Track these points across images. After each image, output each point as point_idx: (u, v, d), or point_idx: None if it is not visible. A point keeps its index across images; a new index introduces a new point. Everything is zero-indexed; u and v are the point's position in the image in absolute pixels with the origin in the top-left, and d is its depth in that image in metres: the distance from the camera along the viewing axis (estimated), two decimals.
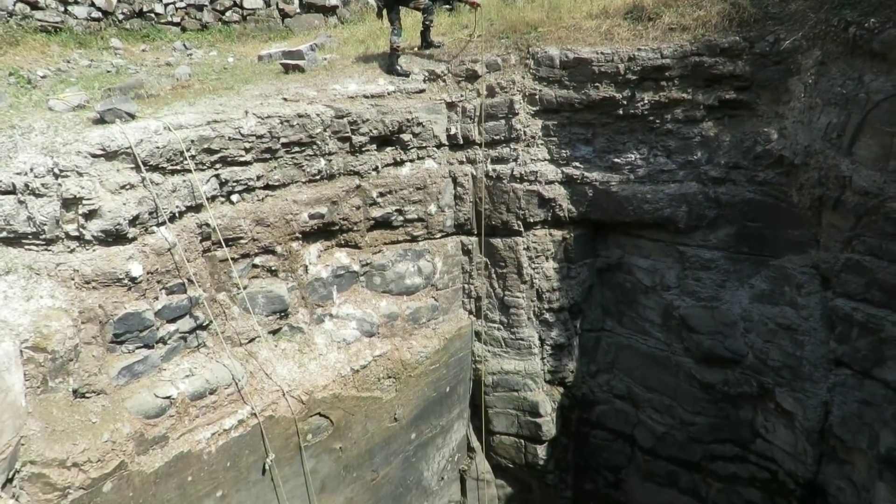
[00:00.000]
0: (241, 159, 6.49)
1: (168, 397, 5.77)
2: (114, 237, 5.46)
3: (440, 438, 9.03)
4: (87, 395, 5.29)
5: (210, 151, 6.23)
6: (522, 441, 9.43)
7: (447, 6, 10.64)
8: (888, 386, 6.29)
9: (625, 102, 7.61)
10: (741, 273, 7.63)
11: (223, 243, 6.43)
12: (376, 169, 7.66)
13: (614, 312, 8.97)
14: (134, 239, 5.62)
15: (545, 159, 8.22)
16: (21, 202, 5.14)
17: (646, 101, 7.53)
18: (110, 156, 5.47)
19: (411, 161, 7.97)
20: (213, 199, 6.40)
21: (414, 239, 8.24)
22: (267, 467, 6.55)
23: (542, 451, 9.33)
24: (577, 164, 8.09)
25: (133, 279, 5.53)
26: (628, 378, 8.92)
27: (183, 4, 11.41)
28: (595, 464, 9.59)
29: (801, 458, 7.25)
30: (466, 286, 8.91)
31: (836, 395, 6.82)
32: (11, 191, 5.13)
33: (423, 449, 8.74)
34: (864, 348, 6.44)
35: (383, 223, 7.93)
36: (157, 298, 5.83)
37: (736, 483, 8.19)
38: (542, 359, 9.04)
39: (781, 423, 7.41)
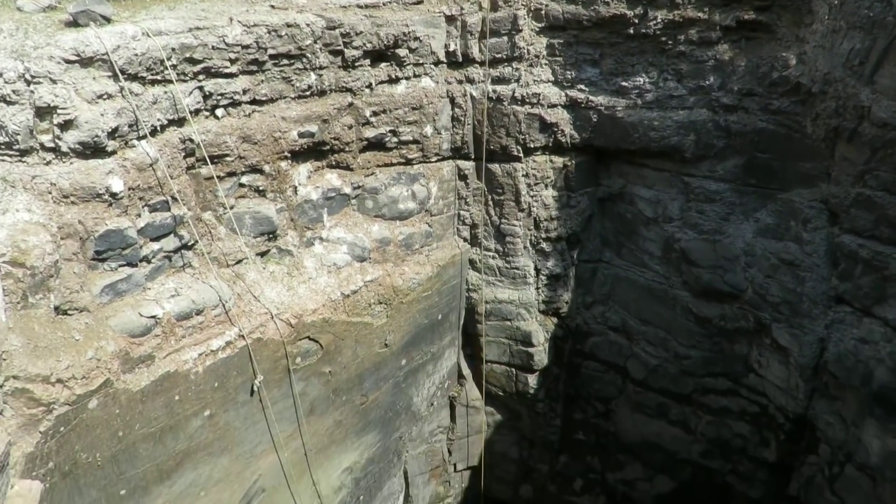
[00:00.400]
0: (226, 71, 6.28)
1: (153, 317, 5.80)
2: (92, 150, 5.34)
3: (431, 365, 9.21)
4: (69, 312, 5.30)
5: (192, 61, 6.01)
6: (514, 370, 9.63)
7: None
8: (887, 324, 6.36)
9: (636, 21, 7.32)
10: (747, 206, 7.57)
11: (208, 160, 6.31)
12: (370, 86, 7.44)
13: (613, 243, 8.96)
14: (113, 153, 5.49)
15: (549, 81, 7.98)
16: None
17: (659, 20, 7.24)
18: (85, 62, 5.27)
19: (407, 79, 7.73)
20: (196, 112, 6.23)
21: (408, 162, 8.11)
22: (255, 389, 6.68)
23: (533, 380, 9.55)
24: (583, 86, 7.87)
25: (114, 195, 5.44)
26: (624, 310, 9.02)
27: None
28: (586, 394, 9.84)
29: (792, 394, 7.43)
30: (462, 212, 8.86)
31: (834, 333, 6.91)
32: None
33: (413, 375, 8.92)
34: (867, 286, 6.47)
35: (377, 144, 7.77)
36: (139, 216, 5.77)
37: (726, 416, 8.43)
38: (537, 289, 9.11)
39: (776, 358, 7.55)
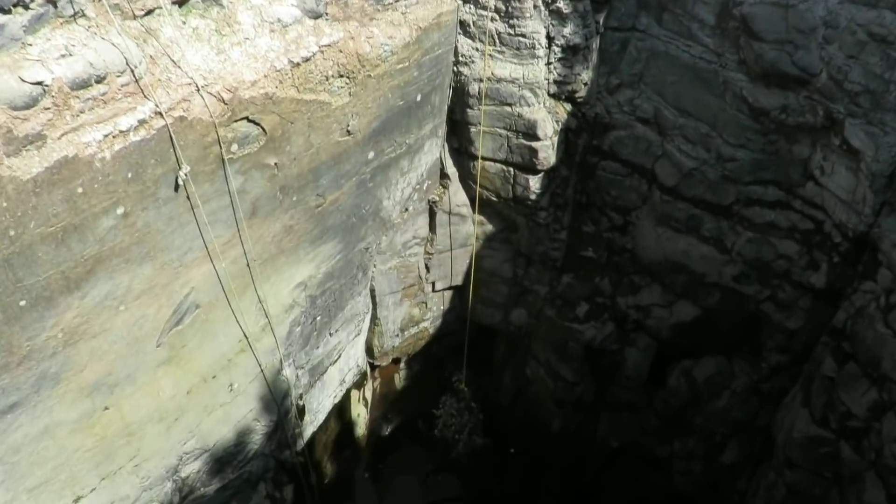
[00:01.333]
0: None
1: (39, 83, 5.62)
2: None
3: (406, 160, 9.26)
4: None
5: None
6: (512, 169, 9.77)
7: None
8: None
9: None
10: None
11: None
12: None
13: (653, 6, 8.72)
14: None
15: None
16: None
17: None
18: None
19: None
20: None
21: None
22: (180, 182, 6.71)
23: (535, 182, 9.72)
24: None
25: None
26: (658, 96, 9.00)
27: None
28: (600, 202, 10.10)
29: (857, 208, 7.69)
30: None
31: None
32: None
33: (383, 172, 9.00)
34: None
35: None
36: None
37: (771, 233, 8.79)
38: (549, 64, 8.97)
39: (843, 163, 7.70)
